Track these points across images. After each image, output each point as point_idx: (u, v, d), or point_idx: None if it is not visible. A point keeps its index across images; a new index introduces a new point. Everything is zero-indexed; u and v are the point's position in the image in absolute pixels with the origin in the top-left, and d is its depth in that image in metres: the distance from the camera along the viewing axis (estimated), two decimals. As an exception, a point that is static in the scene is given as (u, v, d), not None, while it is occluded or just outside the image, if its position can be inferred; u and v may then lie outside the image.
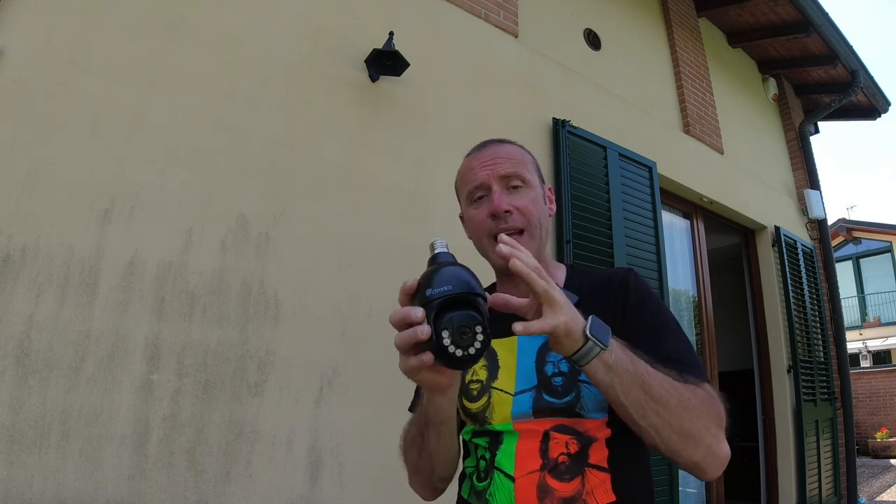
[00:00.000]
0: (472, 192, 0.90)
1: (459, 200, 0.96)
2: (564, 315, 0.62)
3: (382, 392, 1.89)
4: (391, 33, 2.18)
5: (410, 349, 0.59)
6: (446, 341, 0.56)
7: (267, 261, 1.84)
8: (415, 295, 0.60)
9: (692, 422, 0.67)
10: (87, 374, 1.49)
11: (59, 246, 1.52)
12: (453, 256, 0.63)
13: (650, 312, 0.81)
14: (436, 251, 0.63)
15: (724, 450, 0.71)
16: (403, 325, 0.58)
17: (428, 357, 0.57)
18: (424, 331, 0.56)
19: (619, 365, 0.65)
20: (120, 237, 1.61)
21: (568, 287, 0.87)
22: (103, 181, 1.62)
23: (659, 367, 0.69)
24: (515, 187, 0.87)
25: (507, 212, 0.85)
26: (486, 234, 0.87)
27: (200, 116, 1.84)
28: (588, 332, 0.63)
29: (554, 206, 0.95)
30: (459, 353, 0.56)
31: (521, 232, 0.86)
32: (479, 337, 0.56)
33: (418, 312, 0.57)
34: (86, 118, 1.64)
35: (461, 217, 0.97)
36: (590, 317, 0.64)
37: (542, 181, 0.94)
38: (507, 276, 0.88)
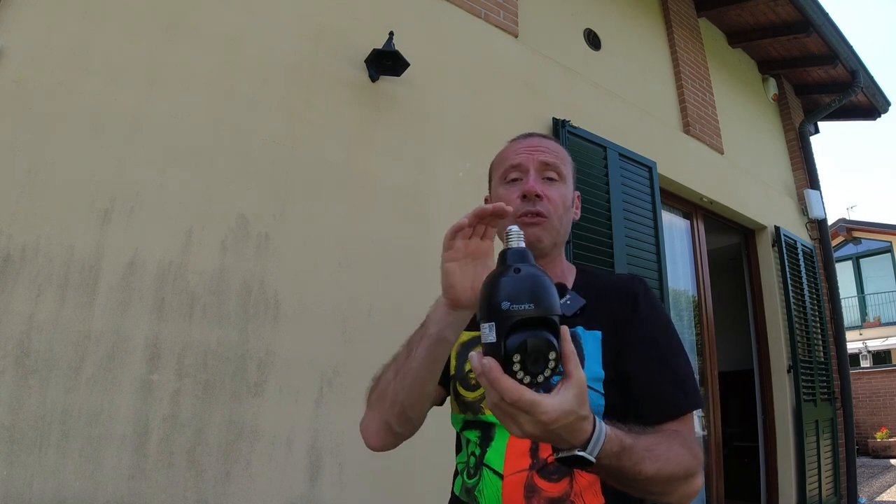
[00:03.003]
0: (507, 171, 0.90)
1: (490, 182, 0.96)
2: (517, 429, 0.54)
3: (382, 392, 1.89)
4: (391, 33, 2.18)
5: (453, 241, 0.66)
6: (516, 366, 0.50)
7: (267, 261, 1.84)
8: (487, 301, 0.52)
9: (666, 487, 0.67)
10: (87, 374, 1.49)
11: (59, 246, 1.52)
12: (530, 253, 0.55)
13: (656, 329, 0.81)
14: (511, 246, 0.55)
15: (698, 486, 0.71)
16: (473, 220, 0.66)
17: (495, 367, 0.50)
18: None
19: (604, 468, 0.60)
20: (120, 237, 1.61)
21: (575, 289, 0.87)
22: (103, 181, 1.62)
23: (654, 444, 0.65)
24: (551, 179, 0.88)
25: (537, 196, 0.85)
26: (510, 215, 0.87)
27: (200, 116, 1.84)
28: (560, 456, 0.58)
29: (579, 213, 0.95)
30: (528, 379, 0.50)
31: (543, 218, 0.85)
32: (552, 364, 0.50)
33: (497, 208, 0.63)
34: (86, 118, 1.64)
35: (486, 200, 0.97)
36: (571, 454, 0.56)
37: (575, 187, 0.94)
38: None
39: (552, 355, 0.50)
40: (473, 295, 0.67)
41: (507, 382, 0.50)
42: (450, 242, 0.68)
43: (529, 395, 0.50)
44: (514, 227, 0.57)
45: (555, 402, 0.51)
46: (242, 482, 1.65)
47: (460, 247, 0.68)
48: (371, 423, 0.83)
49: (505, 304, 0.50)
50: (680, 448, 0.69)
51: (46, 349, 1.45)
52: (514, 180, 0.89)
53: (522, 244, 0.56)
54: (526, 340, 0.49)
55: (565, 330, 0.53)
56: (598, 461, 0.57)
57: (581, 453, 0.56)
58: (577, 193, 0.95)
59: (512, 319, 0.49)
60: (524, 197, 0.86)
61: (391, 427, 0.80)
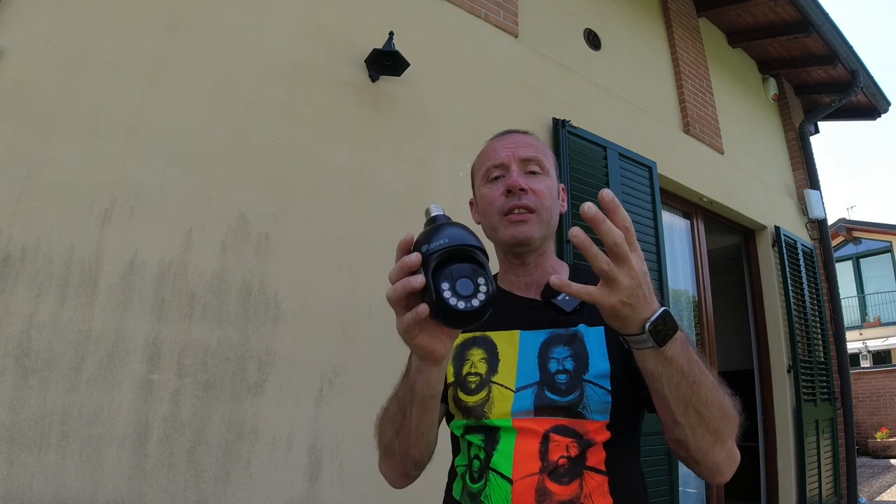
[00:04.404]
0: (489, 171, 0.90)
1: (473, 184, 0.96)
2: (619, 297, 0.57)
3: (382, 392, 1.88)
4: (391, 33, 2.18)
5: (405, 302, 0.55)
6: (447, 293, 0.52)
7: (267, 261, 1.84)
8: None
9: (725, 425, 0.68)
10: (87, 374, 1.49)
11: (59, 246, 1.52)
12: (449, 218, 0.59)
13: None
14: (432, 214, 0.60)
15: (738, 453, 0.73)
16: (401, 275, 0.55)
17: (423, 308, 0.53)
18: (418, 279, 0.53)
19: (674, 360, 0.62)
20: (120, 237, 1.61)
21: None
22: (103, 181, 1.62)
23: (709, 367, 0.67)
24: (533, 172, 0.88)
25: (522, 189, 0.85)
26: (497, 212, 0.87)
27: (200, 116, 1.84)
28: (647, 327, 0.59)
29: (565, 205, 0.95)
30: (462, 304, 0.52)
31: (531, 212, 0.85)
32: (483, 288, 0.52)
33: (413, 257, 0.54)
34: (86, 118, 1.64)
35: (471, 203, 0.97)
36: (661, 310, 0.60)
37: (559, 179, 0.94)
38: (514, 256, 0.89)
39: (481, 280, 0.53)
40: (450, 339, 0.63)
41: (609, 223, 0.54)
42: (409, 324, 0.57)
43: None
44: (432, 204, 0.61)
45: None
46: (242, 482, 1.65)
47: (412, 317, 0.57)
48: (389, 471, 0.85)
49: (424, 248, 0.54)
50: (728, 393, 0.70)
51: (46, 349, 1.45)
52: (496, 178, 0.89)
53: (440, 212, 0.60)
54: (451, 269, 0.53)
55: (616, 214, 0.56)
56: (678, 333, 0.60)
57: (665, 308, 0.59)
58: (562, 185, 0.95)
59: (433, 257, 0.53)
60: (509, 192, 0.86)
61: (409, 472, 0.83)
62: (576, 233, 0.54)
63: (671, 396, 0.65)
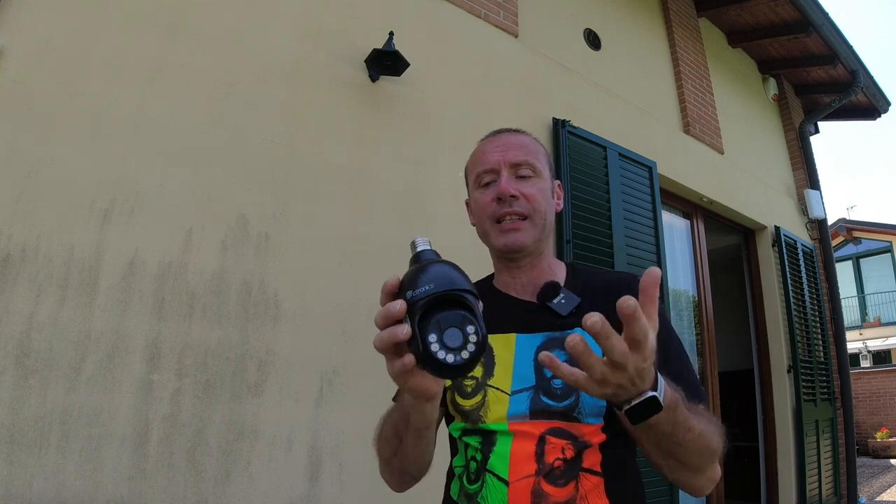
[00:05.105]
0: (480, 176, 0.89)
1: (467, 185, 0.95)
2: (603, 391, 0.55)
3: (382, 392, 1.88)
4: (391, 33, 2.18)
5: (392, 351, 0.53)
6: (434, 346, 0.48)
7: (267, 261, 1.84)
8: (396, 298, 0.53)
9: (705, 460, 0.69)
10: (87, 374, 1.49)
11: (59, 246, 1.52)
12: (437, 253, 0.55)
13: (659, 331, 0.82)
14: (417, 250, 0.56)
15: (719, 472, 0.74)
16: (386, 323, 0.52)
17: (409, 360, 0.51)
18: (404, 329, 0.50)
19: (654, 426, 0.61)
20: (120, 237, 1.61)
21: (569, 287, 0.86)
22: (103, 181, 1.62)
23: (693, 410, 0.66)
24: (525, 176, 0.87)
25: (512, 196, 0.84)
26: (489, 218, 0.86)
27: (200, 116, 1.84)
28: (623, 408, 0.57)
29: (561, 203, 0.94)
30: (451, 358, 0.49)
31: (523, 219, 0.85)
32: (473, 339, 0.49)
33: (397, 305, 0.50)
34: (86, 118, 1.64)
35: (467, 203, 0.97)
36: (645, 397, 0.56)
37: (553, 176, 0.93)
38: (508, 261, 0.89)
39: (471, 329, 0.49)
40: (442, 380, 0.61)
41: (614, 339, 0.51)
42: (398, 372, 0.55)
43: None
44: (417, 237, 0.57)
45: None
46: (242, 482, 1.65)
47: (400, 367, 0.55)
48: (390, 480, 0.86)
49: (409, 295, 0.50)
50: (713, 426, 0.70)
51: (46, 349, 1.45)
52: (488, 183, 0.88)
53: (426, 247, 0.56)
54: (439, 319, 0.49)
55: (648, 283, 0.53)
56: (664, 406, 0.58)
57: (654, 394, 0.57)
58: (558, 182, 0.94)
59: (418, 304, 0.50)
60: (499, 199, 0.85)
61: (409, 481, 0.84)
62: (573, 343, 0.51)
63: (650, 450, 0.67)
